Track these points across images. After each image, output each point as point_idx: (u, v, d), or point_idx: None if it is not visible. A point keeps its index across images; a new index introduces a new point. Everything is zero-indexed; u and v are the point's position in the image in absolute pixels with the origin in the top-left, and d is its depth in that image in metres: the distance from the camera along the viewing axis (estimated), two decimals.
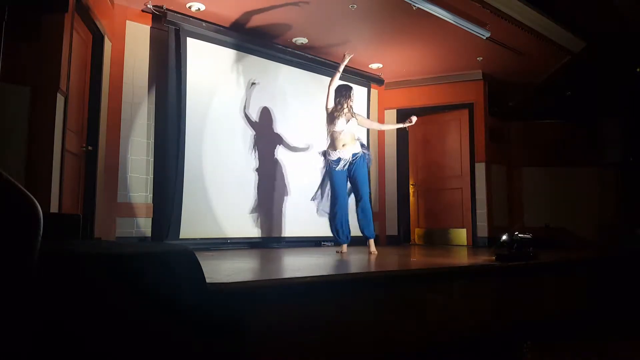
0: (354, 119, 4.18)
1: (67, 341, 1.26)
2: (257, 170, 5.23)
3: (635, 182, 6.86)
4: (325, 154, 4.25)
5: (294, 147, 5.52)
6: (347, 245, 4.25)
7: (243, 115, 5.18)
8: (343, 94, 4.17)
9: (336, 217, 4.17)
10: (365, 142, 4.39)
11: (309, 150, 5.48)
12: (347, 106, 4.15)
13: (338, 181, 4.15)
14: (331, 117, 4.18)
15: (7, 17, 2.57)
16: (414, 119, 4.44)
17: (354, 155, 4.13)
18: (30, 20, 3.03)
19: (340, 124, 4.12)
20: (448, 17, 4.69)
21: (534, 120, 7.36)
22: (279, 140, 5.44)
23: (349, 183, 4.22)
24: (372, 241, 4.22)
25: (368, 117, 6.35)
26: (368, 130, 6.10)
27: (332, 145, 4.18)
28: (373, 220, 4.26)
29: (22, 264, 1.09)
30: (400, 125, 4.77)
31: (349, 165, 4.12)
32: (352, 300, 2.29)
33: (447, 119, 6.79)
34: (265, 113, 5.37)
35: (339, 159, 4.12)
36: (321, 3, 4.61)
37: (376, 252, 4.12)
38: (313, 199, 4.41)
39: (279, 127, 5.47)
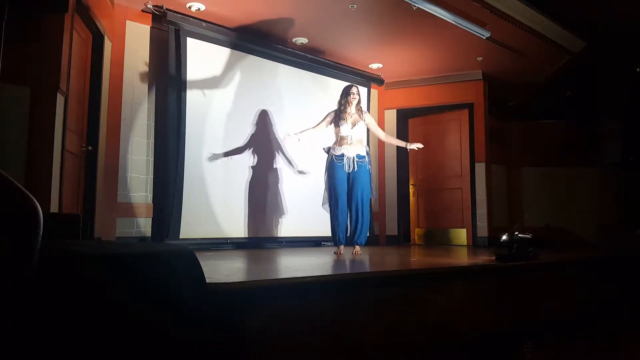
0: (361, 121, 4.08)
1: (67, 341, 1.26)
2: (257, 170, 5.23)
3: (635, 182, 6.86)
4: (329, 150, 4.14)
5: (293, 147, 5.52)
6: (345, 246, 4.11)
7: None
8: (344, 93, 4.10)
9: (337, 216, 4.00)
10: (365, 143, 4.27)
11: (309, 150, 5.47)
12: (351, 106, 4.07)
13: (339, 178, 3.99)
14: (337, 120, 4.09)
15: (7, 17, 2.57)
16: (421, 145, 4.28)
17: (358, 156, 4.01)
18: (30, 20, 3.03)
19: (346, 128, 4.03)
20: (448, 17, 4.69)
21: (534, 120, 7.37)
22: (278, 140, 5.44)
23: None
24: (357, 246, 4.04)
25: None
26: (368, 131, 6.07)
27: (338, 143, 4.08)
28: (373, 221, 4.19)
29: (22, 264, 1.09)
30: (403, 144, 4.44)
31: (351, 166, 4.01)
32: (351, 301, 2.28)
33: (447, 119, 6.79)
34: (265, 114, 5.38)
35: (342, 155, 4.01)
36: (321, 3, 4.61)
37: (360, 252, 3.98)
38: (324, 204, 4.20)
39: (279, 127, 5.47)
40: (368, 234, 4.22)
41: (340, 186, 4.00)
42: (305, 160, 5.55)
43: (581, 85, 6.93)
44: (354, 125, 4.06)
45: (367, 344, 2.27)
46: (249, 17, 4.92)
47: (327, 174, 4.12)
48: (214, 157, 4.92)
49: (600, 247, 5.92)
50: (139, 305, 1.40)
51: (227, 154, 5.04)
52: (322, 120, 4.19)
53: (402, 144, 4.52)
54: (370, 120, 4.24)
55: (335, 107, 4.19)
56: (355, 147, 4.04)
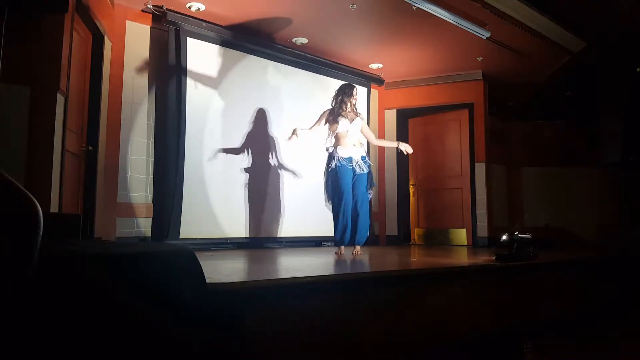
0: (358, 118, 4.07)
1: (67, 341, 1.26)
2: (257, 170, 5.23)
3: (635, 182, 6.86)
4: (333, 151, 4.04)
5: (293, 147, 5.51)
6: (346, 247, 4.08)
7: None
8: (346, 92, 4.06)
9: (343, 217, 3.93)
10: (365, 142, 4.30)
11: (309, 150, 5.46)
12: (351, 105, 4.06)
13: (347, 181, 3.94)
14: (334, 117, 4.05)
15: (7, 17, 2.57)
16: (410, 150, 4.25)
17: (363, 158, 4.03)
18: (30, 20, 3.03)
19: (344, 124, 4.00)
20: (448, 17, 4.69)
21: (534, 120, 7.36)
22: (278, 140, 5.43)
23: None
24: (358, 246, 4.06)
25: (368, 117, 6.34)
26: None
27: (341, 144, 4.00)
28: (373, 221, 4.18)
29: (22, 264, 1.09)
30: (395, 145, 4.41)
31: (359, 168, 3.98)
32: (351, 300, 2.28)
33: (447, 119, 6.79)
34: (265, 113, 5.37)
35: (350, 158, 3.96)
36: (321, 3, 4.61)
37: (360, 252, 4.01)
38: (327, 201, 4.16)
39: (279, 127, 5.46)
40: (368, 234, 4.21)
41: (348, 188, 3.96)
42: (305, 159, 5.54)
43: (581, 85, 6.93)
44: (352, 121, 4.04)
45: (367, 344, 2.27)
46: (249, 17, 4.92)
47: (335, 176, 3.99)
48: (213, 157, 4.92)
49: (600, 247, 5.92)
50: (139, 305, 1.40)
51: (227, 152, 5.04)
52: (318, 121, 4.15)
53: (393, 144, 4.53)
54: (363, 123, 4.19)
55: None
56: (359, 149, 4.05)
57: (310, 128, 4.16)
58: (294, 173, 5.51)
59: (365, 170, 4.04)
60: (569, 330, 3.31)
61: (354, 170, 3.99)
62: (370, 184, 4.09)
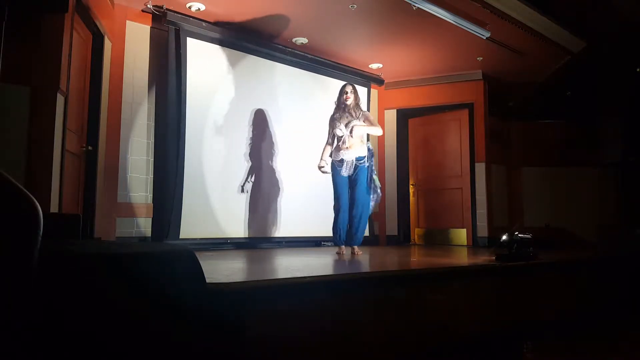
0: (356, 120, 4.00)
1: (67, 340, 1.26)
2: (257, 170, 5.23)
3: (635, 182, 6.86)
4: (331, 153, 4.12)
5: (294, 146, 5.52)
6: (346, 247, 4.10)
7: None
8: (339, 93, 4.10)
9: (338, 218, 4.02)
10: (365, 140, 4.24)
11: (309, 151, 5.46)
12: (345, 106, 4.05)
13: (340, 182, 4.01)
14: (332, 122, 4.09)
15: (7, 17, 2.58)
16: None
17: (358, 158, 3.99)
18: (30, 20, 3.03)
19: (340, 128, 4.02)
20: (448, 17, 4.69)
21: (534, 120, 7.37)
22: (279, 140, 5.44)
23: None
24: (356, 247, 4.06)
25: None
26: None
27: (337, 146, 4.04)
28: (373, 221, 4.16)
29: (22, 264, 1.09)
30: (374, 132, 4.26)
31: (352, 169, 3.99)
32: (352, 301, 2.28)
33: (447, 119, 6.79)
34: (265, 113, 5.37)
35: (342, 160, 4.00)
36: (321, 3, 4.61)
37: (360, 252, 4.00)
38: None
39: (279, 127, 5.47)
40: (367, 234, 4.21)
41: (342, 189, 4.02)
42: (305, 160, 5.54)
43: (581, 85, 6.92)
44: (347, 124, 4.01)
45: (367, 344, 2.27)
46: (249, 17, 4.92)
47: (333, 179, 4.11)
48: (213, 157, 4.91)
49: (600, 247, 5.92)
50: (139, 305, 1.40)
51: (227, 153, 5.04)
52: (328, 135, 4.18)
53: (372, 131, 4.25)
54: (367, 117, 4.08)
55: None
56: (354, 150, 4.00)
57: (327, 142, 4.18)
58: (293, 172, 5.51)
59: (364, 166, 3.99)
60: (569, 330, 3.31)
61: (347, 171, 3.99)
62: (370, 189, 4.07)
